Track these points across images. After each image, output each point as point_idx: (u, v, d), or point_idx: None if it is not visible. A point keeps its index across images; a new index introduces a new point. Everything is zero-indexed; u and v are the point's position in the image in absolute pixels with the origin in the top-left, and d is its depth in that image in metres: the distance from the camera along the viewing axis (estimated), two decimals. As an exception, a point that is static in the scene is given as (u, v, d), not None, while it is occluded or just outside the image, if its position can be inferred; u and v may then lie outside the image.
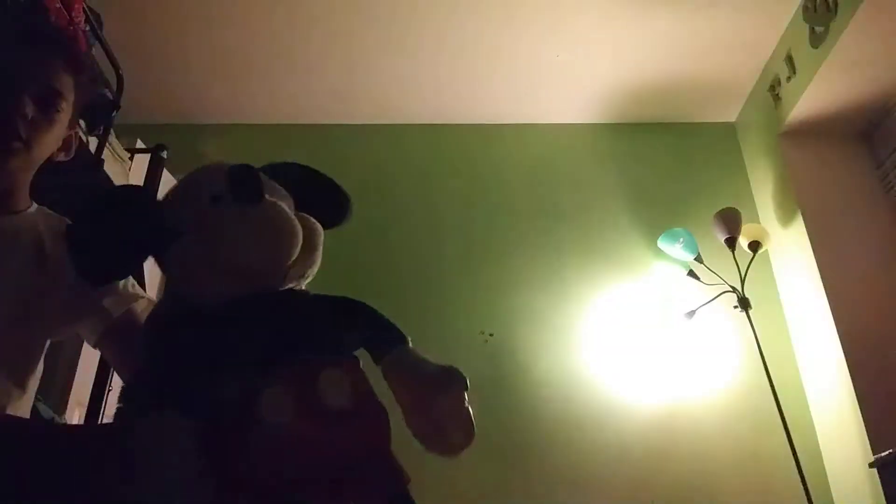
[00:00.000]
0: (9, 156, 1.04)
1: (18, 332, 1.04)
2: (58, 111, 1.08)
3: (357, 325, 0.84)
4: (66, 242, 0.85)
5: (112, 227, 0.86)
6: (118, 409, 0.83)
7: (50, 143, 1.10)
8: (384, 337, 0.84)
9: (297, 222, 0.81)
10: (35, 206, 1.17)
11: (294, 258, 0.81)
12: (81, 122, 1.80)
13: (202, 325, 0.79)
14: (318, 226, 0.86)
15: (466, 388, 0.77)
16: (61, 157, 1.16)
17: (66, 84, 1.09)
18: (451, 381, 0.77)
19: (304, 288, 0.88)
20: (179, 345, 0.79)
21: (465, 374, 0.77)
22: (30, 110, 1.03)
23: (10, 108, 1.02)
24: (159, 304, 0.90)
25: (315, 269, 0.87)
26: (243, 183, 0.81)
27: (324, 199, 0.98)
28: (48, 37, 1.18)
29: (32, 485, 0.71)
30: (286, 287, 0.84)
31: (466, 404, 0.77)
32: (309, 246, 0.83)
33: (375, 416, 0.76)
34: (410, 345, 0.83)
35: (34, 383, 1.11)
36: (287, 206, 0.84)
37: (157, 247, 0.87)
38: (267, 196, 0.82)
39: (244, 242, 0.79)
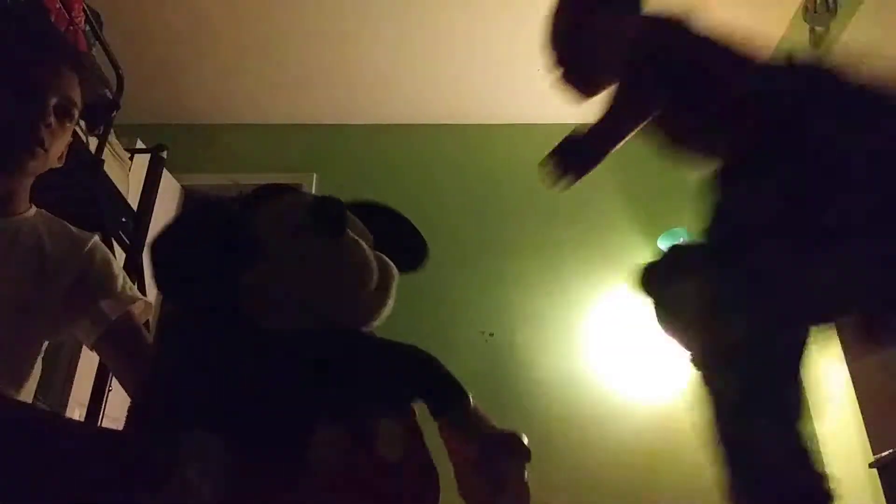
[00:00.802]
0: (31, 160, 1.08)
1: (16, 331, 1.04)
2: (71, 121, 1.13)
3: (419, 376, 0.83)
4: (150, 254, 0.84)
5: (198, 245, 0.84)
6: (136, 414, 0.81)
7: (59, 151, 1.14)
8: (445, 393, 0.82)
9: (374, 260, 0.81)
10: (34, 208, 1.18)
11: (366, 296, 0.81)
12: (82, 123, 1.80)
13: (265, 354, 0.77)
14: (393, 267, 0.86)
15: (529, 460, 0.73)
16: (56, 164, 1.19)
17: (79, 95, 1.13)
18: (515, 450, 0.74)
19: (370, 331, 0.87)
20: (235, 370, 0.76)
21: (528, 446, 0.74)
22: (52, 119, 1.08)
23: (38, 116, 1.06)
24: (214, 320, 0.87)
25: (386, 311, 0.86)
26: (327, 215, 0.80)
27: (402, 242, 0.97)
28: (69, 49, 1.24)
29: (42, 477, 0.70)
30: (355, 327, 0.83)
31: (526, 479, 0.73)
32: (381, 286, 0.83)
33: (425, 474, 0.74)
34: (472, 402, 0.81)
35: (32, 383, 1.11)
36: (366, 243, 0.84)
37: (238, 269, 0.84)
38: (348, 231, 0.82)
39: (321, 275, 0.78)
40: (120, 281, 1.20)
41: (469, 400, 0.81)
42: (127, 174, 2.19)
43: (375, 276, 0.81)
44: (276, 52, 3.17)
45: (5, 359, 1.04)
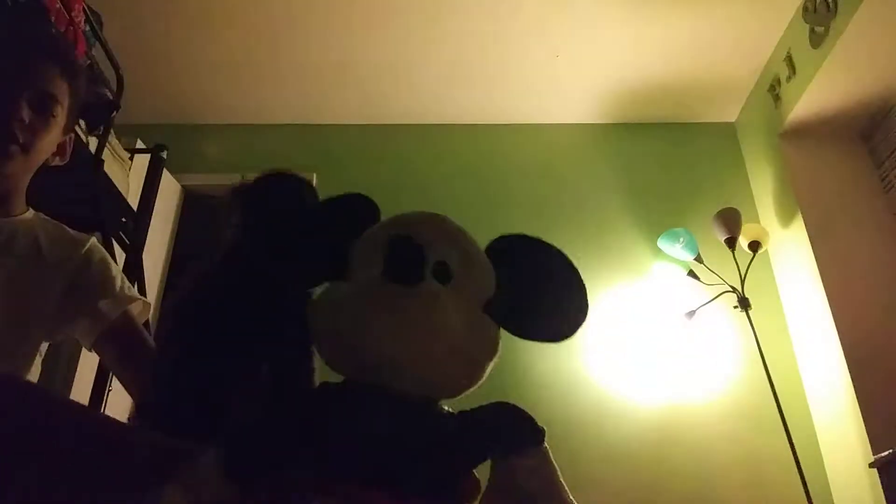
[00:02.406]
0: (6, 160, 1.05)
1: (13, 331, 1.04)
2: (53, 116, 1.09)
3: (484, 442, 0.70)
4: (270, 236, 0.80)
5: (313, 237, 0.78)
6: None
7: (46, 148, 1.11)
8: (513, 440, 0.70)
9: (451, 328, 0.68)
10: (31, 211, 1.17)
11: (439, 367, 0.68)
12: (82, 123, 1.80)
13: (302, 400, 0.69)
14: (494, 342, 0.73)
15: None
16: (56, 162, 1.17)
17: (62, 89, 1.10)
18: None
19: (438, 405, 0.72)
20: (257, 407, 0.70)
21: None
22: (26, 115, 1.04)
23: (8, 113, 1.03)
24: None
25: (472, 387, 0.72)
26: (400, 256, 0.68)
27: (545, 300, 0.78)
28: (45, 42, 1.19)
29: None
30: (422, 398, 0.69)
31: None
32: (466, 360, 0.70)
33: None
34: (545, 445, 0.70)
35: None
36: (466, 298, 0.70)
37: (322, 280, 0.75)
38: (431, 278, 0.68)
39: (370, 327, 0.66)
40: (118, 281, 1.20)
41: (540, 443, 0.70)
42: (127, 174, 2.19)
43: (446, 349, 0.68)
44: (276, 52, 3.17)
45: (2, 360, 1.03)
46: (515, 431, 0.70)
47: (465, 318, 0.70)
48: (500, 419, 0.71)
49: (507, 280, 0.75)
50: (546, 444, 0.71)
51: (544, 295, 0.78)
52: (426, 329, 0.67)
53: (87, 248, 1.19)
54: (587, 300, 0.78)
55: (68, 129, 1.17)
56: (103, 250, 1.23)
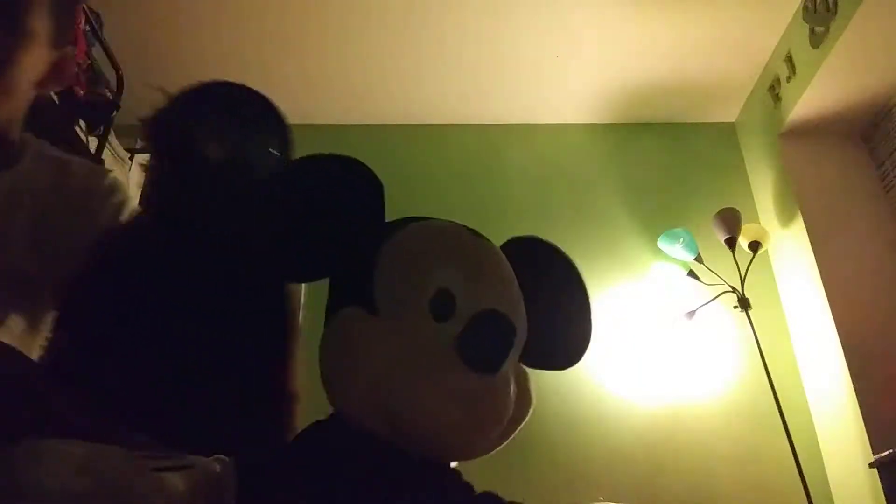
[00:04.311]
0: None
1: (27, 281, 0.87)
2: (25, 25, 0.78)
3: None
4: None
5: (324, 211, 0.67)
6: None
7: (23, 73, 0.81)
8: None
9: (510, 407, 0.63)
10: (30, 146, 0.92)
11: (487, 444, 0.66)
12: (82, 123, 1.80)
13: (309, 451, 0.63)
14: (531, 393, 0.67)
15: None
16: (52, 87, 0.90)
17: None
18: None
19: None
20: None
21: None
22: None
23: None
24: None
25: (495, 448, 0.69)
26: (488, 343, 0.59)
27: (564, 331, 0.73)
28: None
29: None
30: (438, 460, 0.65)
31: None
32: (513, 423, 0.66)
33: None
34: None
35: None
36: (515, 359, 0.64)
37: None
38: (504, 365, 0.61)
39: (432, 409, 0.59)
40: None
41: None
42: (127, 174, 2.20)
43: (499, 428, 0.64)
44: (276, 52, 3.17)
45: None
46: None
47: (514, 382, 0.65)
48: None
49: (528, 305, 0.69)
50: None
51: (565, 324, 0.74)
52: (494, 418, 0.62)
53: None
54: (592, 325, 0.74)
55: (59, 40, 0.85)
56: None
